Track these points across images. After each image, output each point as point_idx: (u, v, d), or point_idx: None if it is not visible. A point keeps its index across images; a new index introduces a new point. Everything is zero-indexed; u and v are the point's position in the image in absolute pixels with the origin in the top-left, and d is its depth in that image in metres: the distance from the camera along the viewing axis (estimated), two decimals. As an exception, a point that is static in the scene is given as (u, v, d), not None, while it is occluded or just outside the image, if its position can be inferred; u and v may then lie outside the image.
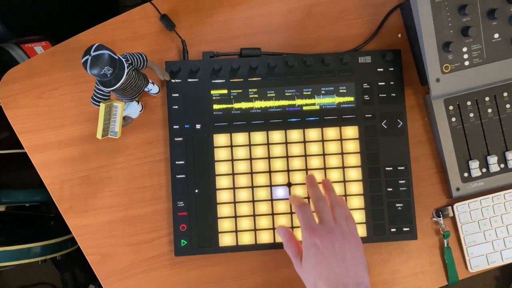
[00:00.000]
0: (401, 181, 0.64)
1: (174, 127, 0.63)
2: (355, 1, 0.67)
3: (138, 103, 0.62)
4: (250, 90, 0.64)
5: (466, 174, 0.64)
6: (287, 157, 0.64)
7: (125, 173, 0.65)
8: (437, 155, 0.66)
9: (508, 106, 0.65)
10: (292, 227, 0.63)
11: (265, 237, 0.63)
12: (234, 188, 0.63)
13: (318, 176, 0.63)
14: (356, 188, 0.64)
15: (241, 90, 0.64)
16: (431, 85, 0.60)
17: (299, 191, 0.63)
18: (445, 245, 0.65)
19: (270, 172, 0.63)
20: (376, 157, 0.64)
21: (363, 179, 0.64)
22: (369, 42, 0.67)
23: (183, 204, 0.63)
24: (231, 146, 0.64)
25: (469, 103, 0.64)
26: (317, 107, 0.64)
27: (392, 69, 0.65)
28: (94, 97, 0.54)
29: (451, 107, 0.64)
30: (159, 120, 0.65)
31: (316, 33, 0.67)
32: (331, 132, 0.64)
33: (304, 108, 0.64)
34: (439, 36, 0.59)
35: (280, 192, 0.63)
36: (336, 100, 0.64)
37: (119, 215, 0.64)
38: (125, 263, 0.64)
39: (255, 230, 0.63)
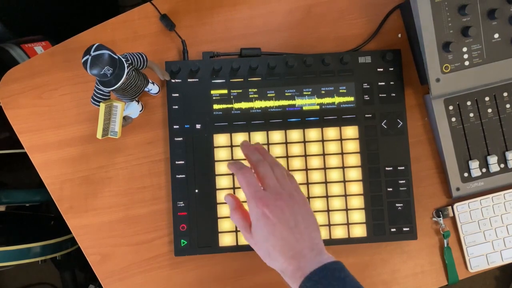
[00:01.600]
0: (401, 181, 0.64)
1: (174, 127, 0.63)
2: (355, 1, 0.67)
3: (138, 103, 0.62)
4: (250, 90, 0.64)
5: (466, 174, 0.64)
6: (287, 157, 0.64)
7: (125, 173, 0.65)
8: (437, 155, 0.66)
9: (508, 106, 0.65)
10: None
11: (265, 237, 0.63)
12: (234, 188, 0.63)
13: (318, 176, 0.63)
14: (356, 188, 0.64)
15: (241, 90, 0.64)
16: (431, 85, 0.60)
17: (299, 191, 0.63)
18: (445, 245, 0.65)
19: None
20: (376, 157, 0.64)
21: (363, 179, 0.64)
22: (369, 42, 0.67)
23: (183, 204, 0.63)
24: (231, 146, 0.64)
25: (469, 103, 0.64)
26: (317, 107, 0.64)
27: (392, 69, 0.65)
28: (94, 97, 0.54)
29: (451, 107, 0.64)
30: (159, 120, 0.65)
31: (316, 33, 0.67)
32: (331, 132, 0.64)
33: (304, 108, 0.64)
34: (439, 36, 0.59)
35: None
36: (336, 100, 0.64)
37: (119, 215, 0.64)
38: (125, 263, 0.64)
39: (255, 230, 0.63)
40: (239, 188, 0.63)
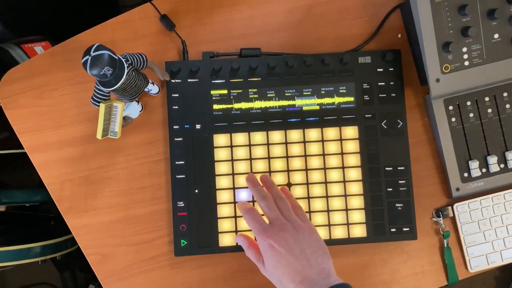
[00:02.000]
0: (401, 181, 0.64)
1: (174, 127, 0.63)
2: (355, 1, 0.67)
3: (138, 103, 0.62)
4: (250, 90, 0.64)
5: (466, 174, 0.64)
6: (287, 157, 0.64)
7: (125, 173, 0.65)
8: (437, 155, 0.66)
9: (508, 106, 0.65)
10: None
11: (265, 237, 0.63)
12: (234, 188, 0.63)
13: (318, 176, 0.63)
14: (356, 188, 0.64)
15: (241, 90, 0.64)
16: (431, 85, 0.60)
17: (299, 192, 0.63)
18: (445, 245, 0.65)
19: (270, 172, 0.63)
20: (376, 157, 0.64)
21: (363, 179, 0.64)
22: (369, 42, 0.67)
23: (183, 204, 0.63)
24: (231, 146, 0.64)
25: (469, 103, 0.64)
26: (317, 107, 0.64)
27: (392, 69, 0.65)
28: (94, 97, 0.54)
29: (451, 107, 0.64)
30: (159, 120, 0.65)
31: (316, 33, 0.67)
32: (331, 132, 0.64)
33: (304, 108, 0.64)
34: (439, 36, 0.59)
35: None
36: (336, 100, 0.64)
37: (119, 215, 0.64)
38: (125, 263, 0.64)
39: (255, 230, 0.63)
40: (239, 188, 0.63)
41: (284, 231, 0.51)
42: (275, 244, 0.50)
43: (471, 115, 0.64)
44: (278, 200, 0.55)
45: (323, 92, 0.64)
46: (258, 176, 0.60)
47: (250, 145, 0.63)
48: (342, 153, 0.64)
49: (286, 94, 0.64)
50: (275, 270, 0.50)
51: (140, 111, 0.64)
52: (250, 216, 0.54)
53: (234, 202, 0.63)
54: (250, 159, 0.63)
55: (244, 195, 0.63)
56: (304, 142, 0.64)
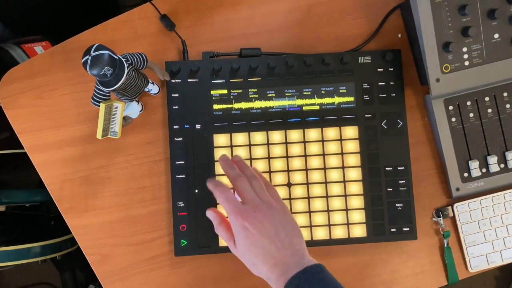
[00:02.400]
0: (401, 181, 0.64)
1: (174, 127, 0.63)
2: (355, 1, 0.67)
3: (138, 103, 0.62)
4: (250, 90, 0.64)
5: (466, 174, 0.64)
6: (287, 157, 0.64)
7: (125, 173, 0.65)
8: (437, 155, 0.66)
9: (508, 106, 0.65)
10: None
11: (265, 237, 0.62)
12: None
13: (318, 176, 0.63)
14: (356, 188, 0.64)
15: (241, 90, 0.64)
16: (431, 85, 0.60)
17: (299, 191, 0.63)
18: (445, 245, 0.65)
19: (270, 172, 0.63)
20: (376, 157, 0.64)
21: (363, 179, 0.64)
22: (369, 42, 0.67)
23: (183, 204, 0.63)
24: (231, 146, 0.64)
25: (469, 103, 0.64)
26: (317, 107, 0.64)
27: (392, 69, 0.65)
28: (94, 97, 0.54)
29: (451, 107, 0.64)
30: (159, 120, 0.65)
31: (316, 33, 0.67)
32: (331, 132, 0.64)
33: (304, 108, 0.64)
34: (439, 36, 0.59)
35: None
36: (336, 100, 0.64)
37: (119, 215, 0.64)
38: (125, 263, 0.64)
39: (255, 230, 0.63)
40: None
41: (259, 211, 0.49)
42: (249, 226, 0.48)
43: (471, 115, 0.64)
44: (252, 180, 0.53)
45: (323, 92, 0.64)
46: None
47: (250, 145, 0.63)
48: (342, 153, 0.64)
49: (286, 94, 0.64)
50: (248, 252, 0.49)
51: (140, 111, 0.64)
52: (222, 194, 0.52)
53: (234, 202, 0.63)
54: (250, 159, 0.63)
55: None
56: (304, 142, 0.64)
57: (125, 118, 0.61)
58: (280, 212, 0.51)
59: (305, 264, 0.47)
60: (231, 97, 0.64)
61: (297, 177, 0.63)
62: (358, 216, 0.63)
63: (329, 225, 0.63)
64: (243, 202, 0.51)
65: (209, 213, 0.55)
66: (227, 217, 0.52)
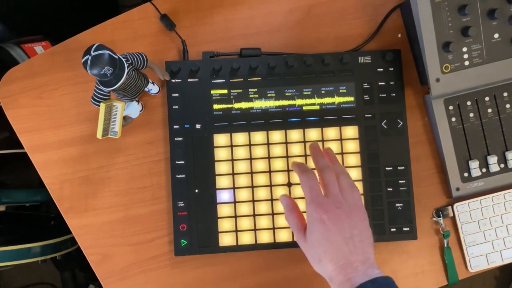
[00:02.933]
0: (401, 181, 0.64)
1: (174, 127, 0.63)
2: (355, 1, 0.67)
3: (138, 103, 0.62)
4: (250, 90, 0.64)
5: (466, 174, 0.64)
6: (287, 157, 0.64)
7: (125, 173, 0.65)
8: (437, 155, 0.66)
9: (508, 106, 0.65)
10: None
11: (265, 237, 0.63)
12: (234, 188, 0.63)
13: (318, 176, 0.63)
14: (356, 188, 0.63)
15: (241, 90, 0.64)
16: (431, 85, 0.60)
17: (299, 191, 0.63)
18: (445, 245, 0.65)
19: (270, 172, 0.63)
20: (376, 157, 0.64)
21: (363, 179, 0.64)
22: (369, 42, 0.67)
23: (183, 204, 0.63)
24: (231, 146, 0.64)
25: (469, 103, 0.64)
26: (317, 107, 0.64)
27: (392, 69, 0.65)
28: (94, 97, 0.54)
29: (451, 107, 0.64)
30: (159, 120, 0.65)
31: (316, 33, 0.67)
32: (331, 132, 0.64)
33: (304, 108, 0.64)
34: (439, 36, 0.59)
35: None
36: (336, 100, 0.64)
37: (119, 215, 0.64)
38: (125, 263, 0.64)
39: (255, 230, 0.63)
40: (239, 188, 0.63)
41: (340, 209, 0.48)
42: (327, 221, 0.47)
43: (471, 115, 0.64)
44: (341, 176, 0.51)
45: (323, 92, 0.64)
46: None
47: (250, 145, 0.63)
48: (342, 153, 0.64)
49: (286, 94, 0.64)
50: (319, 246, 0.47)
51: (140, 111, 0.64)
52: (307, 180, 0.50)
53: (234, 202, 0.63)
54: (250, 159, 0.63)
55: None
56: (304, 142, 0.64)
57: (125, 118, 0.61)
58: (360, 216, 0.49)
59: (374, 274, 0.45)
60: (231, 97, 0.64)
61: (297, 177, 0.63)
62: (358, 216, 0.63)
63: (329, 225, 0.63)
64: (326, 194, 0.49)
65: (283, 199, 0.53)
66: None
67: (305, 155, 0.64)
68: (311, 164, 0.63)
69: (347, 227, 0.47)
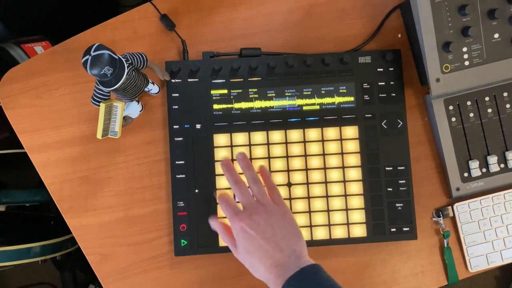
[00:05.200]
0: (401, 181, 0.64)
1: (174, 127, 0.63)
2: (355, 1, 0.67)
3: (138, 103, 0.62)
4: (250, 90, 0.64)
5: (466, 174, 0.64)
6: (287, 157, 0.64)
7: (125, 173, 0.65)
8: (437, 155, 0.66)
9: (508, 106, 0.65)
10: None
11: (265, 237, 0.62)
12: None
13: (318, 176, 0.63)
14: (356, 188, 0.64)
15: (241, 90, 0.64)
16: (431, 85, 0.60)
17: (299, 191, 0.63)
18: (445, 245, 0.65)
19: (270, 172, 0.63)
20: (376, 157, 0.64)
21: (363, 179, 0.64)
22: (369, 42, 0.67)
23: (183, 204, 0.63)
24: (231, 146, 0.64)
25: (469, 103, 0.64)
26: (317, 107, 0.64)
27: (392, 69, 0.65)
28: (94, 97, 0.54)
29: (451, 107, 0.64)
30: (159, 120, 0.65)
31: (316, 33, 0.67)
32: (331, 132, 0.64)
33: (304, 108, 0.64)
34: (439, 36, 0.59)
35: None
36: (336, 100, 0.64)
37: (119, 215, 0.64)
38: (125, 263, 0.64)
39: (255, 230, 0.63)
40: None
41: (256, 214, 0.50)
42: (246, 227, 0.50)
43: (471, 115, 0.64)
44: (252, 184, 0.54)
45: (323, 92, 0.64)
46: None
47: (250, 145, 0.63)
48: (342, 153, 0.64)
49: (286, 94, 0.64)
50: (247, 254, 0.50)
51: (140, 111, 0.64)
52: (223, 201, 0.53)
53: (234, 202, 0.63)
54: (250, 159, 0.63)
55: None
56: (304, 142, 0.64)
57: (125, 118, 0.61)
58: (279, 213, 0.51)
59: (301, 264, 0.47)
60: (231, 97, 0.64)
61: (297, 177, 0.63)
62: (358, 216, 0.63)
63: (329, 225, 0.63)
64: (243, 207, 0.52)
65: (213, 224, 0.56)
66: None
67: (305, 155, 0.64)
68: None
69: (266, 228, 0.50)
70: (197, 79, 0.64)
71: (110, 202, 0.64)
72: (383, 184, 0.64)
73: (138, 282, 0.64)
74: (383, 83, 0.64)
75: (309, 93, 0.64)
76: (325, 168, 0.64)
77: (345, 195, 0.63)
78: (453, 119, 0.64)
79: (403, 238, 0.64)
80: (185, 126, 0.63)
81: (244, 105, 0.64)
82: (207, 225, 0.62)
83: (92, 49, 0.48)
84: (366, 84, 0.64)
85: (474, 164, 0.63)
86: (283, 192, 0.63)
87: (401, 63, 0.65)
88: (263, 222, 0.50)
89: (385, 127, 0.64)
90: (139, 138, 0.65)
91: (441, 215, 0.65)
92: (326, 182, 0.63)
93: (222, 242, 0.62)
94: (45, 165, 0.65)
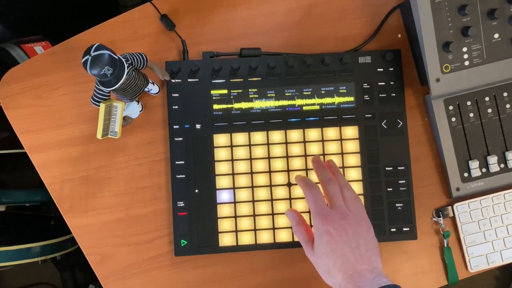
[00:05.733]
0: (401, 181, 0.64)
1: (174, 127, 0.63)
2: (355, 1, 0.67)
3: (138, 103, 0.62)
4: (250, 90, 0.64)
5: (466, 174, 0.64)
6: (287, 157, 0.63)
7: (125, 173, 0.65)
8: (437, 155, 0.66)
9: (508, 106, 0.65)
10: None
11: (265, 237, 0.63)
12: (234, 188, 0.63)
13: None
14: (356, 188, 0.63)
15: (241, 90, 0.64)
16: (431, 85, 0.60)
17: (299, 191, 0.63)
18: (445, 245, 0.65)
19: (270, 172, 0.63)
20: (376, 157, 0.64)
21: (363, 179, 0.64)
22: (369, 42, 0.67)
23: (183, 204, 0.63)
24: (231, 146, 0.64)
25: (469, 103, 0.64)
26: (317, 107, 0.64)
27: (392, 69, 0.65)
28: (94, 97, 0.54)
29: (451, 107, 0.64)
30: (159, 120, 0.65)
31: (316, 33, 0.67)
32: (331, 132, 0.64)
33: (304, 108, 0.64)
34: (439, 36, 0.59)
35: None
36: (336, 100, 0.64)
37: (119, 215, 0.64)
38: (125, 263, 0.64)
39: (255, 230, 0.63)
40: (239, 188, 0.63)
41: (345, 220, 0.49)
42: (333, 232, 0.48)
43: (471, 115, 0.64)
44: (344, 188, 0.52)
45: (323, 92, 0.64)
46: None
47: (250, 145, 0.63)
48: (342, 153, 0.64)
49: (286, 94, 0.64)
50: (326, 258, 0.48)
51: (140, 111, 0.64)
52: (312, 193, 0.51)
53: (234, 202, 0.63)
54: (250, 159, 0.63)
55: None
56: (304, 142, 0.64)
57: (125, 118, 0.61)
58: (365, 226, 0.50)
59: (382, 282, 0.46)
60: (231, 97, 0.64)
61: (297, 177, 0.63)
62: (358, 216, 0.63)
63: (329, 225, 0.63)
64: (331, 206, 0.51)
65: (289, 213, 0.55)
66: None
67: (305, 155, 0.64)
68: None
69: (352, 237, 0.48)
70: (197, 79, 0.64)
71: (110, 202, 0.64)
72: (383, 184, 0.64)
73: (138, 282, 0.64)
74: (383, 83, 0.64)
75: (309, 93, 0.64)
76: (325, 168, 0.64)
77: (345, 195, 0.63)
78: (453, 119, 0.64)
79: (403, 238, 0.64)
80: (185, 126, 0.63)
81: (244, 105, 0.64)
82: (207, 225, 0.63)
83: (92, 49, 0.48)
84: (366, 84, 0.64)
85: (474, 164, 0.63)
86: (283, 192, 0.63)
87: (401, 63, 0.65)
88: (352, 230, 0.49)
89: (385, 127, 0.64)
90: (139, 138, 0.65)
91: (441, 215, 0.65)
92: (326, 182, 0.63)
93: (222, 242, 0.62)
94: (45, 165, 0.65)
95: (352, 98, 0.64)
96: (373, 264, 0.48)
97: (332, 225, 0.49)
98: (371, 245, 0.49)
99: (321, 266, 0.50)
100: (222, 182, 0.63)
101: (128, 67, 0.51)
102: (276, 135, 0.64)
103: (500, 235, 0.65)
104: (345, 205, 0.51)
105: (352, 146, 0.64)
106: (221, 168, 0.63)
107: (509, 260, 0.65)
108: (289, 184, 0.63)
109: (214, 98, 0.64)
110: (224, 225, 0.63)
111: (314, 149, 0.64)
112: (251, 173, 0.63)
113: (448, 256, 0.65)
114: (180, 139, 0.63)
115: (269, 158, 0.63)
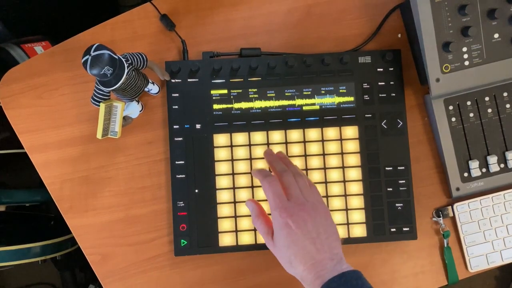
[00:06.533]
0: (401, 181, 0.64)
1: (174, 127, 0.63)
2: (355, 1, 0.67)
3: (138, 103, 0.62)
4: (250, 90, 0.64)
5: (466, 174, 0.64)
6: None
7: (125, 173, 0.65)
8: (437, 155, 0.66)
9: (508, 106, 0.65)
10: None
11: (265, 237, 0.63)
12: (234, 188, 0.63)
13: (318, 176, 0.63)
14: (356, 188, 0.64)
15: (241, 90, 0.64)
16: (431, 85, 0.60)
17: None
18: (445, 245, 0.65)
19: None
20: (376, 157, 0.64)
21: (363, 179, 0.64)
22: (369, 42, 0.67)
23: (183, 204, 0.63)
24: (231, 146, 0.64)
25: (469, 103, 0.64)
26: (317, 107, 0.64)
27: (392, 69, 0.65)
28: (94, 97, 0.54)
29: (451, 107, 0.64)
30: (159, 120, 0.65)
31: (316, 33, 0.67)
32: (331, 132, 0.64)
33: (304, 108, 0.64)
34: (439, 36, 0.59)
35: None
36: (336, 100, 0.64)
37: (119, 215, 0.64)
38: (125, 263, 0.64)
39: (255, 230, 0.63)
40: (239, 188, 0.63)
41: (303, 210, 0.49)
42: (292, 224, 0.48)
43: (471, 115, 0.64)
44: (298, 177, 0.52)
45: (323, 92, 0.64)
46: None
47: (250, 145, 0.63)
48: (342, 153, 0.64)
49: (286, 94, 0.64)
50: (286, 250, 0.48)
51: (140, 111, 0.64)
52: (270, 186, 0.51)
53: (234, 202, 0.63)
54: (250, 159, 0.63)
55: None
56: (304, 142, 0.64)
57: (125, 118, 0.61)
58: (323, 214, 0.50)
59: (343, 269, 0.46)
60: (231, 97, 0.64)
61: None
62: (358, 216, 0.63)
63: (329, 225, 0.63)
64: (288, 198, 0.50)
65: (249, 203, 0.55)
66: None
67: (305, 155, 0.64)
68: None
69: (312, 228, 0.48)
70: (197, 79, 0.64)
71: (110, 202, 0.64)
72: (383, 184, 0.64)
73: (138, 282, 0.64)
74: (383, 83, 0.64)
75: (309, 93, 0.64)
76: (325, 168, 0.64)
77: (345, 195, 0.63)
78: (453, 119, 0.64)
79: (403, 238, 0.64)
80: (185, 126, 0.63)
81: (244, 105, 0.64)
82: (207, 225, 0.63)
83: (92, 49, 0.48)
84: (366, 84, 0.64)
85: (474, 164, 0.63)
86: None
87: (401, 63, 0.65)
88: (310, 220, 0.48)
89: (385, 127, 0.64)
90: (139, 138, 0.65)
91: (441, 215, 0.65)
92: (326, 182, 0.63)
93: (222, 242, 0.62)
94: (45, 165, 0.65)
95: (352, 98, 0.64)
96: (333, 251, 0.48)
97: (291, 218, 0.48)
98: (330, 231, 0.49)
99: (282, 258, 0.50)
100: (222, 182, 0.63)
101: (128, 67, 0.51)
102: (276, 135, 0.64)
103: (500, 235, 0.65)
104: (302, 194, 0.51)
105: (352, 146, 0.64)
106: (221, 168, 0.63)
107: (509, 260, 0.65)
108: (289, 184, 0.63)
109: (214, 98, 0.64)
110: (224, 225, 0.63)
111: (314, 149, 0.64)
112: (251, 173, 0.63)
113: (448, 256, 0.65)
114: (180, 139, 0.63)
115: (269, 158, 0.63)
